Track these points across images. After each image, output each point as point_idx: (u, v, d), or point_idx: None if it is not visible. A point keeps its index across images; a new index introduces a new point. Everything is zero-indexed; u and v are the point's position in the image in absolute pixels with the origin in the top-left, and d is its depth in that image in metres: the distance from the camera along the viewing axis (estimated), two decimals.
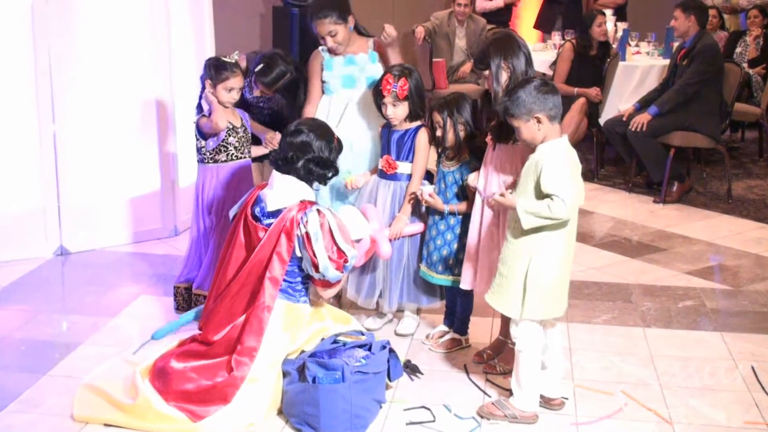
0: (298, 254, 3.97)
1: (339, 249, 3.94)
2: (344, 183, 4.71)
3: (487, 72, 4.15)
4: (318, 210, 3.94)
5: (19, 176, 5.83)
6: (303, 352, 3.96)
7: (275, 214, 3.98)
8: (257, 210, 4.04)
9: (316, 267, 3.92)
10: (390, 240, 4.50)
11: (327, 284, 4.01)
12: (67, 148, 5.88)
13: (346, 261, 3.97)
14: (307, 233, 3.90)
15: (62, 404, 3.99)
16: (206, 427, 3.78)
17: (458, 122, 4.36)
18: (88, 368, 4.25)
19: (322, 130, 4.10)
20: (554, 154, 3.69)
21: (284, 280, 4.01)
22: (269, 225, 3.97)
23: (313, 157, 4.00)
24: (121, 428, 3.82)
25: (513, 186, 3.94)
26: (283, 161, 4.02)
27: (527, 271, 3.75)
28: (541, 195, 3.66)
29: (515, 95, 3.72)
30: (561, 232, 3.74)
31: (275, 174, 4.04)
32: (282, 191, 4.00)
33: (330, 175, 4.11)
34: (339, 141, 4.17)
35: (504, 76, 4.08)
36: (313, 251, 3.90)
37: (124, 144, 6.13)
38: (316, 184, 4.11)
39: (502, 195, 3.80)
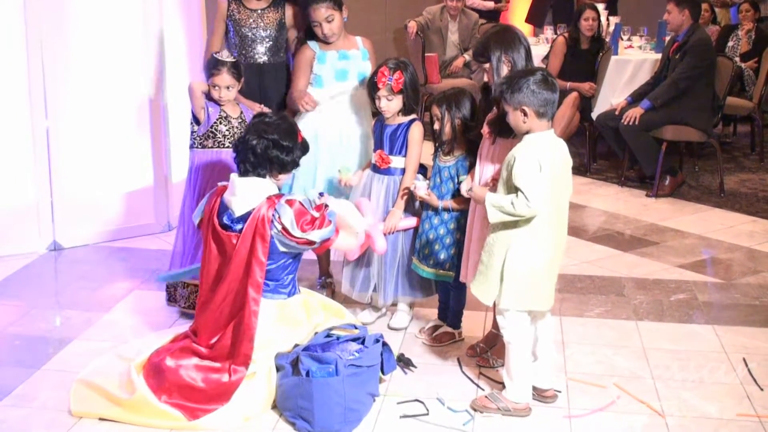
0: (282, 249, 3.97)
1: (312, 216, 3.95)
2: (337, 178, 4.71)
3: (487, 65, 4.15)
4: (286, 200, 3.94)
5: (12, 172, 5.82)
6: (296, 345, 3.97)
7: (244, 217, 3.96)
8: (225, 218, 4.02)
9: (310, 243, 3.94)
10: (384, 234, 4.50)
11: (326, 244, 4.04)
12: (60, 143, 5.88)
13: (326, 208, 4.01)
14: (284, 228, 3.90)
15: (56, 399, 4.00)
16: (203, 424, 3.79)
17: (456, 117, 4.37)
18: (82, 363, 4.26)
19: (285, 122, 4.07)
20: (531, 149, 3.69)
21: (271, 280, 4.02)
22: (241, 230, 3.96)
23: (271, 138, 3.95)
24: (116, 422, 3.82)
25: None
26: (240, 141, 4.01)
27: (505, 259, 3.76)
28: (513, 187, 3.68)
29: (514, 82, 3.72)
30: (544, 224, 3.74)
31: (234, 179, 4.00)
32: (246, 194, 3.97)
33: (286, 161, 4.01)
34: (304, 142, 4.12)
35: (504, 70, 4.07)
36: (299, 237, 3.90)
37: (117, 139, 6.13)
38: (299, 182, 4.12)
39: (470, 189, 3.88)
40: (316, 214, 3.96)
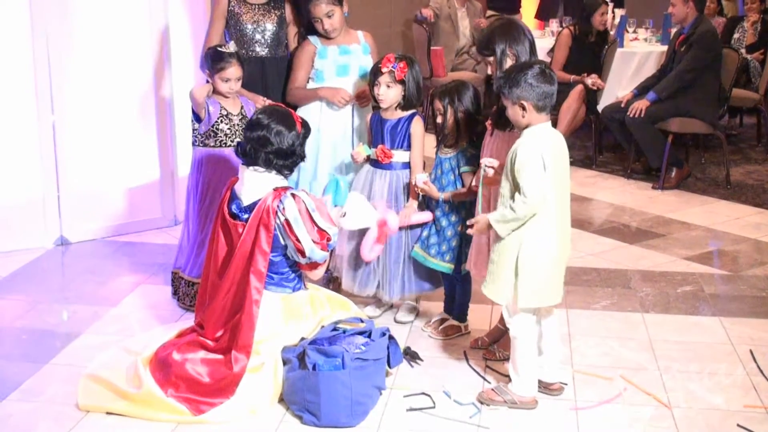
0: (282, 242, 3.98)
1: (320, 229, 3.95)
2: (355, 150, 4.70)
3: (491, 58, 4.14)
4: (293, 194, 3.94)
5: (18, 167, 5.83)
6: (303, 339, 3.98)
7: (251, 207, 3.97)
8: (234, 207, 4.04)
9: (302, 252, 3.94)
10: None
11: (314, 265, 4.04)
12: (66, 138, 5.88)
13: (329, 239, 3.98)
14: (286, 220, 3.91)
15: (64, 393, 4.01)
16: (209, 418, 3.80)
17: (459, 110, 4.37)
18: (90, 357, 4.27)
19: (281, 119, 4.02)
20: (533, 143, 3.68)
21: (276, 273, 4.03)
22: (247, 220, 3.97)
23: (272, 149, 3.95)
24: (123, 416, 3.83)
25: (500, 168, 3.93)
26: (243, 155, 4.00)
27: (517, 258, 3.75)
28: (516, 182, 3.67)
29: (512, 76, 3.72)
30: (551, 218, 3.74)
31: (243, 169, 4.03)
32: (254, 184, 3.99)
33: (293, 162, 4.04)
34: (304, 125, 4.10)
35: (508, 63, 4.07)
36: (296, 237, 3.91)
37: (123, 134, 6.14)
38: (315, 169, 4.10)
39: (470, 226, 3.89)
40: (322, 225, 3.97)
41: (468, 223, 3.99)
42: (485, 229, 3.86)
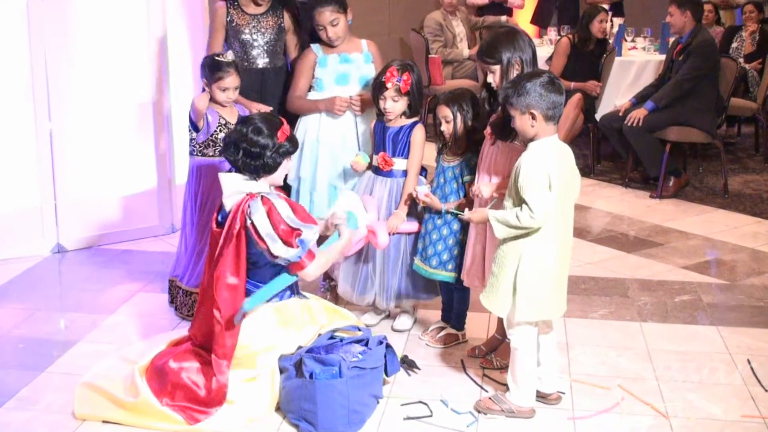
0: (257, 248, 3.93)
1: (289, 226, 3.85)
2: (350, 163, 4.70)
3: (495, 67, 4.11)
4: (262, 197, 3.89)
5: (15, 174, 5.83)
6: (300, 347, 3.97)
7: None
8: (220, 216, 4.02)
9: (271, 254, 3.86)
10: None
11: (298, 266, 3.91)
12: (63, 146, 5.88)
13: (298, 235, 3.86)
14: (252, 224, 3.85)
15: (60, 401, 4.00)
16: (205, 427, 3.79)
17: (467, 117, 4.36)
18: (87, 365, 4.26)
19: (268, 124, 3.98)
20: (538, 159, 3.67)
21: (261, 282, 3.99)
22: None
23: (244, 147, 3.91)
24: (120, 425, 3.83)
25: (502, 187, 3.93)
26: (223, 146, 4.01)
27: (516, 272, 3.75)
28: (520, 197, 3.66)
29: (520, 85, 3.69)
30: (552, 233, 3.73)
31: (219, 176, 4.02)
32: (230, 190, 3.96)
33: (256, 167, 3.93)
34: (291, 140, 4.03)
35: (513, 73, 4.05)
36: (262, 240, 3.84)
37: (121, 142, 6.13)
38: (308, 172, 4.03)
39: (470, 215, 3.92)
40: (290, 224, 3.87)
41: (464, 215, 4.00)
42: (480, 221, 3.87)
